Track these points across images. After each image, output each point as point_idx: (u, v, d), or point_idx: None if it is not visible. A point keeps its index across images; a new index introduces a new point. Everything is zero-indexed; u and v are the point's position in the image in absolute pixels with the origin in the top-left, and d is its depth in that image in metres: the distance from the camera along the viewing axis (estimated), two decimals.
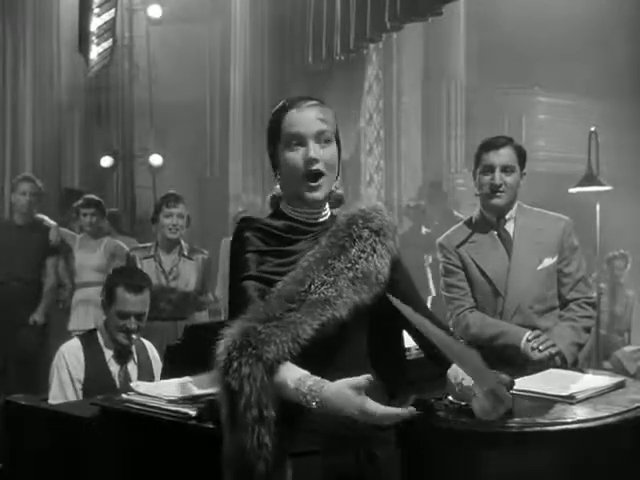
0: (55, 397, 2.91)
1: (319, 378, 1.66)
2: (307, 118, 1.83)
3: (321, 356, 1.78)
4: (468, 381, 1.87)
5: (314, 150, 1.82)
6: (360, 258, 1.83)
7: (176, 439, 2.10)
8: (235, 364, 1.66)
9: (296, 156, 1.82)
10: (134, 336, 3.05)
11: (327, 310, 1.75)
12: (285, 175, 1.86)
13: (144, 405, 2.22)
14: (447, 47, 9.75)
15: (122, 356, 3.07)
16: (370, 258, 1.83)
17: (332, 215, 1.93)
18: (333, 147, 1.86)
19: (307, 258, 1.81)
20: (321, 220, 1.90)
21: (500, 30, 9.17)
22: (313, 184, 1.82)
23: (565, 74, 9.23)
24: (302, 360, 1.73)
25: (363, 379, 1.61)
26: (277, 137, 1.86)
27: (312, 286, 1.76)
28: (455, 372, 1.91)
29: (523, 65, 9.32)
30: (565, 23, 8.95)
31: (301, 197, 1.84)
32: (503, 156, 2.84)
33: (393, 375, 1.95)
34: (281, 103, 1.91)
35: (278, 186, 1.95)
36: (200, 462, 2.02)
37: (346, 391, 1.62)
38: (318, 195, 1.84)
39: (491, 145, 2.87)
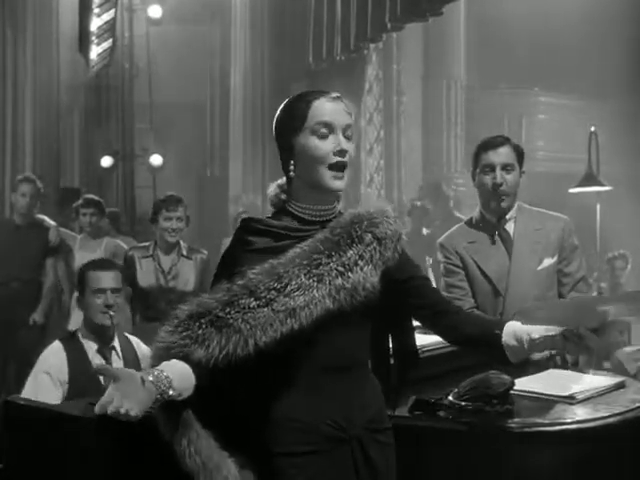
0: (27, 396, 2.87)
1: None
2: (338, 109, 1.81)
3: (300, 353, 1.77)
4: (536, 333, 1.84)
5: (343, 142, 1.79)
6: (356, 265, 1.76)
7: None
8: (173, 338, 1.70)
9: (325, 145, 1.78)
10: (112, 312, 3.05)
11: (286, 324, 1.70)
12: (306, 163, 1.80)
13: None
14: (447, 47, 9.75)
15: (105, 343, 3.07)
16: (365, 268, 1.77)
17: (339, 212, 1.88)
18: (352, 143, 1.83)
19: (295, 249, 1.76)
20: (327, 219, 1.85)
21: (500, 30, 9.18)
22: (339, 173, 1.79)
23: (565, 74, 9.23)
24: (274, 357, 1.73)
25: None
26: (300, 124, 1.79)
27: (288, 287, 1.71)
28: (511, 336, 1.86)
29: (523, 65, 9.33)
30: (565, 23, 8.95)
31: (323, 185, 1.79)
32: (503, 155, 2.84)
33: (383, 373, 1.95)
34: (300, 93, 1.86)
35: (279, 182, 1.90)
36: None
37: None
38: (341, 184, 1.80)
39: (490, 145, 2.86)
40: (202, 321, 1.69)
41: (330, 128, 1.79)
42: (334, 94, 1.83)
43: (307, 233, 1.81)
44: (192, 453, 1.69)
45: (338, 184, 1.79)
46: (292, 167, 1.83)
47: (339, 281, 1.75)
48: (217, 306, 1.71)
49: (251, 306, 1.70)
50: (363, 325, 1.87)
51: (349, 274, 1.76)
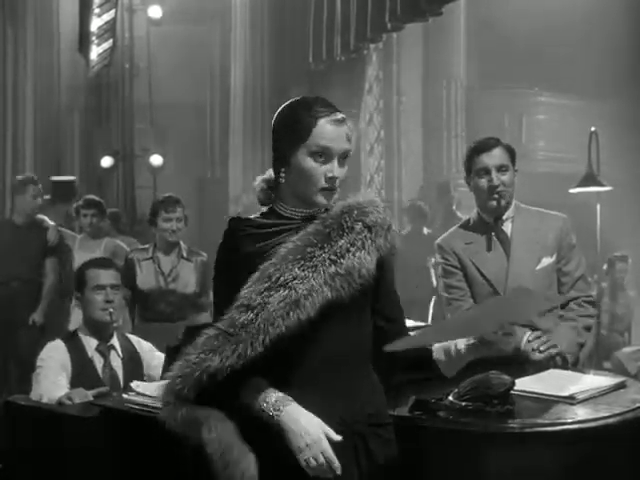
0: (46, 393, 2.84)
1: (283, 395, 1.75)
2: (339, 135, 1.81)
3: (302, 349, 1.78)
4: (460, 343, 1.89)
5: (336, 169, 1.81)
6: (348, 252, 1.79)
7: (176, 439, 2.10)
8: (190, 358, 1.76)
9: (319, 169, 1.80)
10: (112, 310, 3.07)
11: (291, 316, 1.73)
12: (298, 178, 1.82)
13: (144, 405, 2.23)
14: (447, 47, 9.75)
15: (104, 340, 3.08)
16: (358, 253, 1.79)
17: (326, 209, 1.89)
18: (345, 166, 1.85)
19: (287, 244, 1.79)
20: (315, 214, 1.87)
21: (500, 30, 9.17)
22: (327, 192, 1.82)
23: (565, 74, 9.23)
24: (276, 354, 1.74)
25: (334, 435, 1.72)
26: (300, 140, 1.80)
27: (281, 278, 1.74)
28: (440, 350, 1.91)
29: (523, 65, 9.32)
30: (565, 23, 8.96)
31: (310, 201, 1.83)
32: (496, 157, 2.84)
33: (385, 369, 1.94)
34: (306, 103, 1.84)
35: (265, 176, 1.91)
36: (200, 462, 2.01)
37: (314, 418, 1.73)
38: (329, 200, 1.84)
39: (482, 147, 2.86)
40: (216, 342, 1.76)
41: (327, 154, 1.80)
42: (340, 115, 1.83)
43: (296, 225, 1.84)
44: (214, 439, 1.76)
45: (324, 201, 1.83)
46: (283, 175, 1.85)
47: (332, 269, 1.77)
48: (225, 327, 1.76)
49: (248, 320, 1.74)
50: (363, 320, 1.88)
51: (341, 260, 1.78)
